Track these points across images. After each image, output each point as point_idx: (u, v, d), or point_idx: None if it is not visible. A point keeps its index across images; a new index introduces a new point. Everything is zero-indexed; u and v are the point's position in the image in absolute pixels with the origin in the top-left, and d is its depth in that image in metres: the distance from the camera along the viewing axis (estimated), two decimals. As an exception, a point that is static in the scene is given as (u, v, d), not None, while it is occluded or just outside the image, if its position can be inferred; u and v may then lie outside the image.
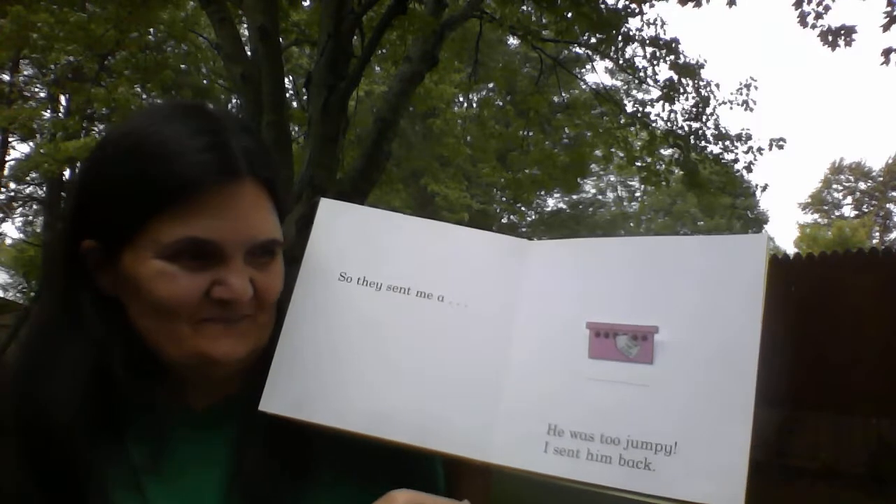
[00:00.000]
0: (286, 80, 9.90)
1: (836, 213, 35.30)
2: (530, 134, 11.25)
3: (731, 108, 10.94)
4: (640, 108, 10.30)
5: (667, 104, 9.65)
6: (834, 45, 6.60)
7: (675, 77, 9.43)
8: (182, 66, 12.99)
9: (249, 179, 0.69)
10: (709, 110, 9.54)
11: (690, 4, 7.32)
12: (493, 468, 0.67)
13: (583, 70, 12.92)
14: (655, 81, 9.76)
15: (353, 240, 0.77)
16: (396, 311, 0.73)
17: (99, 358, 0.69)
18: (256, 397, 0.72)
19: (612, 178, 28.42)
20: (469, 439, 0.67)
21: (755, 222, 30.22)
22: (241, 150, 0.69)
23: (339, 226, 0.78)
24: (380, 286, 0.74)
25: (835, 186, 35.87)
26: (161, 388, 0.72)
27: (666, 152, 10.26)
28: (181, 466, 0.71)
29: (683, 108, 9.65)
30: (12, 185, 17.02)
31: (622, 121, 10.34)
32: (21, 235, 19.38)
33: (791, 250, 27.34)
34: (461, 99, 13.88)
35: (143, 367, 0.70)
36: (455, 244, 0.76)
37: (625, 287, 0.69)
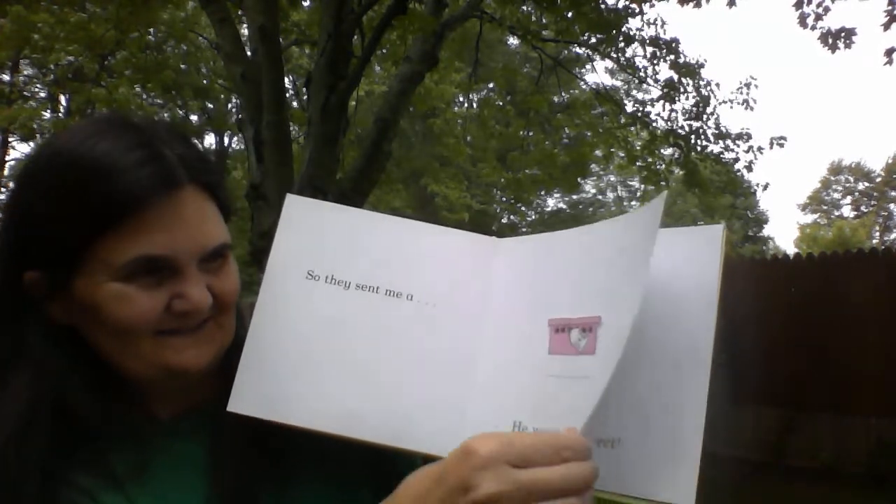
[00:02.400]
0: (286, 80, 9.89)
1: (836, 214, 35.31)
2: (530, 134, 11.27)
3: (732, 107, 10.97)
4: (641, 108, 10.32)
5: (667, 104, 9.67)
6: (834, 48, 6.61)
7: (676, 77, 9.45)
8: (182, 66, 13.02)
9: (190, 187, 0.68)
10: (709, 109, 9.56)
11: (690, 4, 7.33)
12: None
13: (583, 70, 12.93)
14: (656, 81, 9.77)
15: (320, 238, 0.75)
16: (365, 311, 0.72)
17: (52, 389, 0.67)
18: (225, 401, 0.71)
19: (612, 178, 28.46)
20: (438, 438, 0.67)
21: (755, 222, 30.24)
22: (176, 158, 0.68)
23: (307, 223, 0.76)
24: (348, 285, 0.73)
25: (834, 187, 35.88)
26: (126, 404, 0.72)
27: (666, 152, 10.26)
28: (159, 478, 0.70)
29: (684, 108, 9.68)
30: (12, 185, 17.01)
31: (622, 121, 10.35)
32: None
33: (791, 250, 27.37)
34: (461, 99, 13.86)
35: (106, 388, 0.70)
36: (425, 243, 0.75)
37: (580, 280, 0.67)
